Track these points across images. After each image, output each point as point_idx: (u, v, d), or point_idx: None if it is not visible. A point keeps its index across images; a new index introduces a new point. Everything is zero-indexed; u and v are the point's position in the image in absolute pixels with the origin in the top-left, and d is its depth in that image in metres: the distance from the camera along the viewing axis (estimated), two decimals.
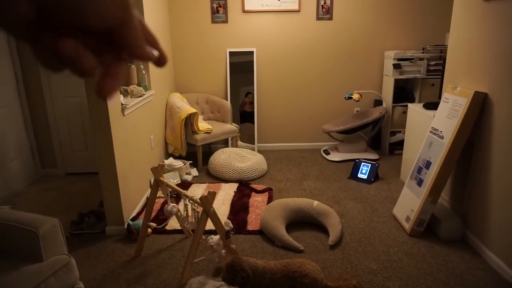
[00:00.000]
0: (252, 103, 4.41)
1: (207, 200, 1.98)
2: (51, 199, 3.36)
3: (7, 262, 1.69)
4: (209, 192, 2.02)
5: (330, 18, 4.24)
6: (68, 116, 3.77)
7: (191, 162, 3.91)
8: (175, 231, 2.76)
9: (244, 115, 4.44)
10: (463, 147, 2.48)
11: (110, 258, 2.46)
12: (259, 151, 4.57)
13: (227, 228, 2.16)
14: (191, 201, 2.13)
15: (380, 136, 4.50)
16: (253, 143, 4.50)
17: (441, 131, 2.60)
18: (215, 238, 2.17)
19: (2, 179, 3.36)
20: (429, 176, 2.58)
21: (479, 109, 2.39)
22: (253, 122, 4.46)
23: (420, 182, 2.68)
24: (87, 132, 3.81)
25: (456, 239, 2.59)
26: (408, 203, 2.75)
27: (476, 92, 2.36)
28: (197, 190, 3.46)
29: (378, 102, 4.46)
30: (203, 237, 2.23)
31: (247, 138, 4.48)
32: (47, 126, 3.79)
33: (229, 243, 2.18)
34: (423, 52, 4.15)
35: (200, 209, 2.27)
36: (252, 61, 4.34)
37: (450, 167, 2.50)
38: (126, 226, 2.75)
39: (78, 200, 3.34)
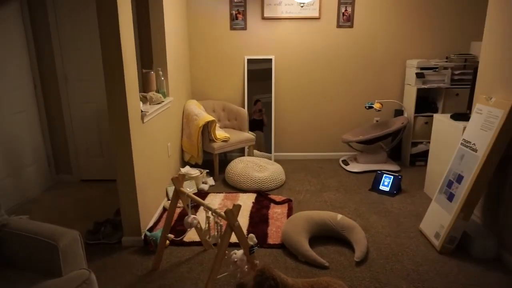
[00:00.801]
0: (261, 110, 4.31)
1: (232, 214, 1.89)
2: (66, 207, 3.30)
3: (24, 276, 1.61)
4: (234, 205, 1.92)
5: (351, 26, 4.15)
6: (84, 122, 3.73)
7: (208, 171, 3.83)
8: (193, 243, 2.66)
9: (252, 123, 4.33)
10: (498, 161, 2.35)
11: (127, 270, 2.37)
12: (275, 161, 4.48)
13: (251, 243, 2.06)
14: (213, 214, 2.03)
15: (400, 147, 4.37)
16: (265, 152, 4.40)
17: (474, 144, 2.47)
18: (239, 253, 2.07)
19: (18, 185, 3.31)
20: (461, 191, 2.45)
21: None
22: (262, 131, 4.35)
23: (451, 197, 2.55)
24: (103, 138, 3.76)
25: (490, 258, 2.45)
26: (438, 219, 2.61)
27: None
28: (214, 200, 3.37)
29: (398, 112, 4.34)
30: (226, 251, 2.13)
31: (258, 147, 4.37)
32: (63, 131, 3.75)
33: (253, 259, 2.08)
34: (446, 61, 4.03)
35: (223, 222, 2.18)
36: (271, 69, 4.26)
37: (484, 181, 2.37)
38: (143, 237, 2.66)
39: (93, 208, 3.28)
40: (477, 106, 2.57)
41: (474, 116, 2.57)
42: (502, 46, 2.47)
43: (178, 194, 2.31)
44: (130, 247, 2.64)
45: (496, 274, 2.30)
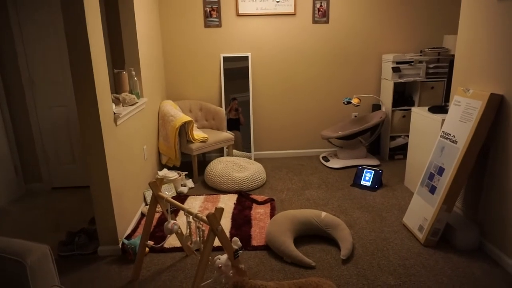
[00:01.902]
0: (237, 109, 4.22)
1: (215, 218, 1.80)
2: (36, 217, 3.11)
3: None
4: (216, 208, 1.83)
5: (327, 22, 4.13)
6: (54, 126, 3.53)
7: (186, 173, 3.71)
8: (174, 249, 2.55)
9: (229, 123, 4.24)
10: (478, 152, 2.37)
11: (105, 282, 2.24)
12: (255, 160, 4.41)
13: (236, 247, 1.98)
14: (195, 219, 1.94)
15: (379, 141, 4.40)
16: (244, 151, 4.32)
17: (453, 136, 2.49)
18: (223, 258, 1.98)
19: None
20: (443, 183, 2.46)
21: (495, 112, 2.29)
22: (239, 130, 4.27)
23: (432, 190, 2.55)
24: (74, 144, 3.57)
25: (472, 248, 2.47)
26: (420, 212, 2.62)
27: (492, 94, 2.26)
28: (195, 203, 3.26)
29: (376, 107, 4.36)
30: (210, 257, 2.04)
31: (236, 146, 4.28)
32: (31, 137, 3.54)
33: (238, 263, 2.00)
34: (421, 55, 4.08)
35: (205, 226, 2.09)
36: (247, 66, 4.18)
37: (466, 173, 2.39)
38: (120, 245, 2.53)
39: (66, 217, 3.10)
40: (455, 98, 2.59)
41: (452, 108, 2.59)
42: (476, 38, 2.49)
43: (157, 199, 2.19)
44: (107, 257, 2.50)
45: (479, 264, 2.31)
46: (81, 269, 2.37)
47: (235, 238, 2.00)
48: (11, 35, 3.30)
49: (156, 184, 2.17)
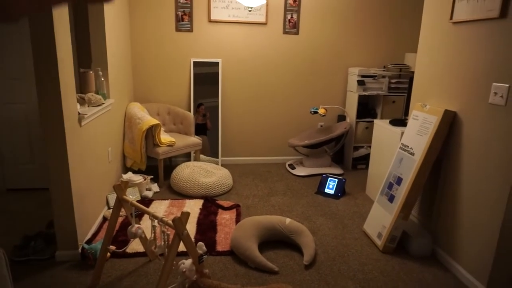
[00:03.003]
0: (204, 115, 4.23)
1: (180, 222, 1.80)
2: None
3: None
4: (182, 212, 1.83)
5: (297, 33, 4.25)
6: (11, 124, 3.36)
7: (152, 177, 3.66)
8: (137, 254, 2.51)
9: (197, 128, 4.24)
10: (433, 164, 2.53)
11: None
12: (222, 165, 4.41)
13: (200, 252, 1.98)
14: (160, 223, 1.92)
15: (343, 151, 4.55)
16: (211, 156, 4.33)
17: (411, 148, 2.64)
18: (187, 262, 1.97)
19: None
20: (401, 192, 2.59)
21: (449, 127, 2.46)
22: (206, 135, 4.28)
23: (391, 198, 2.68)
24: (34, 143, 3.42)
25: (426, 255, 2.61)
26: (379, 219, 2.74)
27: (446, 111, 2.42)
28: (160, 207, 3.21)
29: (341, 117, 4.51)
30: (174, 262, 2.02)
31: (203, 151, 4.28)
32: None
33: (202, 268, 2.00)
34: (384, 70, 4.29)
35: (170, 231, 2.07)
36: (217, 72, 4.20)
37: (421, 183, 2.53)
38: (80, 250, 2.45)
39: (22, 220, 2.95)
40: (413, 113, 2.75)
41: (410, 122, 2.74)
42: (433, 58, 2.67)
43: (121, 202, 2.15)
44: (66, 262, 2.41)
45: (431, 269, 2.45)
46: (37, 275, 2.27)
47: (200, 243, 2.00)
48: None
49: (120, 187, 2.13)
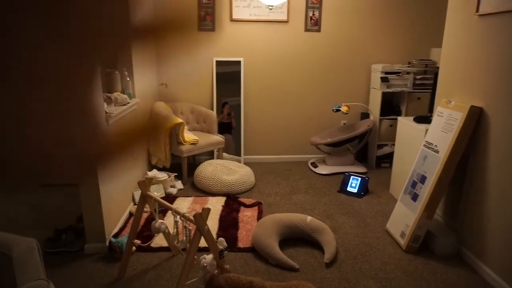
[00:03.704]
0: (229, 114, 4.28)
1: (201, 218, 1.84)
2: (23, 214, 3.10)
3: None
4: (203, 208, 1.88)
5: (318, 30, 4.22)
6: None
7: (176, 174, 3.74)
8: (161, 249, 2.58)
9: (221, 126, 4.29)
10: (458, 161, 2.46)
11: (90, 280, 2.25)
12: (245, 163, 4.45)
13: (221, 247, 2.02)
14: (182, 218, 1.98)
15: (366, 149, 4.48)
16: (234, 155, 4.37)
17: (436, 145, 2.57)
18: (208, 257, 2.02)
19: None
20: (425, 191, 2.54)
21: (475, 123, 2.38)
22: (231, 133, 4.33)
23: (415, 197, 2.63)
24: None
25: (451, 255, 2.55)
26: (403, 218, 2.69)
27: (472, 106, 2.35)
28: (183, 204, 3.29)
29: (364, 115, 4.45)
30: (196, 256, 2.08)
31: (227, 150, 4.33)
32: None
33: (223, 263, 2.04)
34: (409, 66, 4.19)
35: (192, 226, 2.12)
36: (239, 71, 4.24)
37: (446, 181, 2.47)
38: (107, 243, 2.55)
39: (54, 214, 3.10)
40: (438, 109, 2.68)
41: (435, 118, 2.68)
42: (459, 52, 2.59)
43: (145, 198, 2.23)
44: (94, 255, 2.52)
45: (457, 270, 2.39)
46: (66, 266, 2.39)
47: (221, 239, 2.04)
48: None
49: (145, 184, 2.21)
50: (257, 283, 1.81)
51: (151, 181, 2.26)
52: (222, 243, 2.04)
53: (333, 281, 2.26)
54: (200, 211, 1.86)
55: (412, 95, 4.16)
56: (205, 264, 1.98)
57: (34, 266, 1.60)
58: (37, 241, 1.64)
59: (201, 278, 1.98)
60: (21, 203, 3.29)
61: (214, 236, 2.75)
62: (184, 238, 2.01)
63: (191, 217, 1.88)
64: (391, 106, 4.37)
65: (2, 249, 1.52)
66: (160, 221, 2.22)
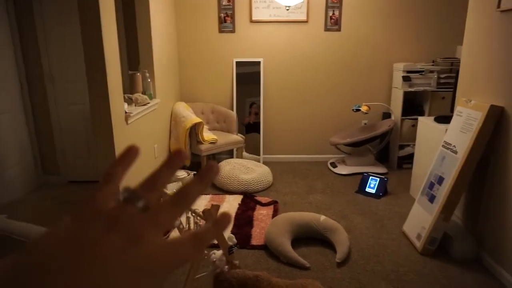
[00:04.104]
0: (257, 113, 4.34)
1: (210, 214, 1.90)
2: (51, 208, 3.29)
3: None
4: (212, 205, 1.93)
5: (339, 29, 4.19)
6: (72, 123, 3.73)
7: (195, 172, 3.83)
8: None
9: (249, 126, 4.37)
10: (477, 163, 2.38)
11: None
12: (264, 163, 4.48)
13: (231, 243, 2.06)
14: (193, 214, 2.04)
15: (388, 150, 4.40)
16: (259, 154, 4.42)
17: (454, 146, 2.50)
18: (218, 253, 2.07)
19: (1, 186, 3.30)
20: (442, 192, 2.47)
21: (495, 123, 2.30)
22: (259, 132, 4.39)
23: (432, 198, 2.57)
24: (90, 140, 3.76)
25: (470, 259, 2.47)
26: (419, 220, 2.63)
27: (492, 106, 2.27)
28: (200, 202, 3.37)
29: (386, 115, 4.37)
30: (206, 251, 2.13)
31: (253, 149, 4.40)
32: (51, 132, 3.74)
33: (232, 259, 2.08)
34: (433, 65, 4.08)
35: (202, 222, 2.19)
36: (259, 72, 4.28)
37: (464, 183, 2.40)
38: None
39: None
40: (457, 109, 2.60)
41: (454, 118, 2.60)
42: (479, 50, 2.50)
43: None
44: None
45: (474, 275, 2.31)
46: None
47: (231, 235, 2.09)
48: (35, 34, 3.51)
49: None
50: (263, 277, 1.84)
51: None
52: (231, 239, 2.08)
53: (343, 281, 2.25)
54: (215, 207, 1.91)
55: (436, 94, 4.04)
56: (214, 259, 2.03)
57: None
58: None
59: (210, 272, 2.04)
60: (51, 199, 3.48)
61: (228, 233, 2.80)
62: None
63: (201, 213, 1.94)
64: (414, 105, 4.26)
65: (25, 238, 1.64)
66: None
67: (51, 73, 3.61)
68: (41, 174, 3.82)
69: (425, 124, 3.23)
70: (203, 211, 1.89)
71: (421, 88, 4.00)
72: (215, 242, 2.37)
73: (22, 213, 3.20)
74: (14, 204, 3.36)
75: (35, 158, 3.75)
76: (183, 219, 2.89)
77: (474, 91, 2.59)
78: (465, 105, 2.53)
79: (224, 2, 4.11)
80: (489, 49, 2.41)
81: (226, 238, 2.08)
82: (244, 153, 4.38)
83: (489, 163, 2.41)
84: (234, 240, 2.09)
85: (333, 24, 4.17)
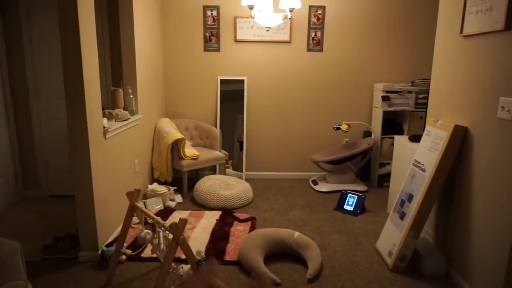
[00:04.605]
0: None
1: (176, 228, 1.93)
2: (29, 222, 3.29)
3: None
4: (180, 219, 1.96)
5: (321, 50, 4.32)
6: (55, 137, 3.76)
7: (176, 188, 3.86)
8: (151, 259, 2.67)
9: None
10: (445, 181, 2.44)
11: (78, 286, 2.36)
12: (247, 180, 4.52)
13: (199, 258, 2.09)
14: (162, 228, 2.07)
15: (369, 168, 4.46)
16: (237, 171, 4.45)
17: (423, 164, 2.57)
18: (186, 267, 2.09)
19: None
20: (411, 210, 2.52)
21: (460, 143, 2.37)
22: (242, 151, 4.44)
23: (402, 216, 2.62)
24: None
25: (439, 276, 2.50)
26: (391, 237, 2.67)
27: (456, 126, 2.35)
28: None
29: (367, 134, 4.45)
30: (174, 265, 2.15)
31: (238, 166, 4.44)
32: (33, 146, 3.77)
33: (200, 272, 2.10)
34: (412, 85, 4.19)
35: (171, 236, 2.21)
36: (243, 90, 4.38)
37: (431, 200, 2.45)
38: (100, 252, 2.67)
39: (57, 223, 3.27)
40: (426, 128, 2.68)
41: (424, 137, 2.68)
42: (446, 72, 2.61)
43: (133, 208, 2.34)
44: (87, 262, 2.64)
45: None
46: (60, 272, 2.51)
47: (199, 250, 2.12)
48: (22, 50, 3.59)
49: (132, 194, 2.32)
50: None
51: (139, 192, 2.37)
52: (200, 254, 2.11)
53: None
54: (196, 225, 1.94)
55: (415, 114, 4.15)
56: (181, 274, 2.05)
57: (16, 267, 1.72)
58: (20, 244, 1.77)
59: (176, 286, 2.05)
60: (31, 212, 3.48)
61: (204, 249, 2.82)
62: (164, 247, 2.10)
63: (168, 226, 1.97)
64: (394, 125, 4.36)
65: None
66: (146, 231, 2.32)
67: (36, 89, 3.67)
68: (21, 188, 3.83)
69: (400, 143, 3.31)
70: (170, 225, 1.92)
71: (400, 108, 4.11)
72: (183, 256, 2.38)
73: (1, 226, 3.20)
74: None
75: (16, 173, 3.76)
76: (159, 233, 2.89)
77: (442, 111, 2.68)
78: (433, 124, 2.61)
79: (210, 22, 4.23)
80: (455, 72, 2.51)
81: (194, 253, 2.11)
82: (229, 170, 4.42)
83: (454, 181, 2.47)
84: (203, 254, 2.11)
85: (315, 44, 4.30)
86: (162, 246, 2.15)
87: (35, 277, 2.44)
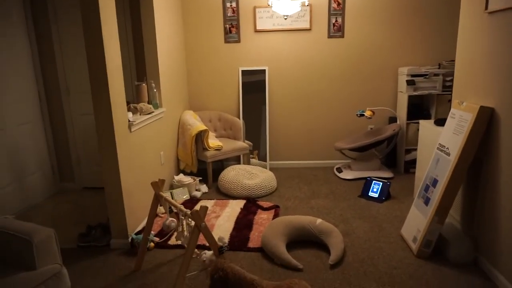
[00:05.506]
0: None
1: (198, 215, 1.99)
2: (65, 212, 3.49)
3: (3, 269, 1.76)
4: (201, 206, 2.03)
5: (342, 36, 4.24)
6: (86, 132, 3.95)
7: (201, 178, 3.96)
8: (177, 246, 2.78)
9: None
10: (471, 165, 2.37)
11: (110, 271, 2.50)
12: (271, 169, 4.56)
13: (220, 244, 2.15)
14: (185, 215, 2.15)
15: (395, 154, 4.37)
16: (262, 160, 4.49)
17: (447, 148, 2.50)
18: (209, 253, 2.16)
19: (22, 192, 3.54)
20: (436, 195, 2.47)
21: (486, 124, 2.29)
22: None
23: (427, 201, 2.57)
24: None
25: (466, 262, 2.44)
26: (415, 223, 2.63)
27: (481, 107, 2.26)
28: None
29: (392, 119, 4.36)
30: (197, 251, 2.23)
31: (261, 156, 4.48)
32: (67, 141, 3.98)
33: (222, 258, 2.16)
34: (439, 68, 4.05)
35: (193, 223, 2.28)
36: (264, 79, 4.39)
37: (457, 185, 2.39)
38: (130, 240, 2.80)
39: (90, 213, 3.45)
40: (451, 111, 2.60)
41: (448, 120, 2.60)
42: (471, 52, 2.50)
43: (158, 198, 2.44)
44: (118, 249, 2.78)
45: (469, 278, 2.29)
46: (93, 258, 2.67)
47: (221, 236, 2.18)
48: (52, 48, 3.76)
49: (157, 184, 2.42)
50: (258, 282, 1.90)
51: (163, 182, 2.46)
52: (222, 240, 2.17)
53: (334, 283, 2.29)
54: (221, 213, 2.01)
55: (442, 97, 4.01)
56: (204, 259, 2.13)
57: (51, 251, 1.86)
58: (54, 231, 1.90)
59: (201, 271, 2.13)
60: (66, 203, 3.69)
61: (228, 236, 2.89)
62: (187, 234, 2.18)
63: (189, 213, 2.04)
64: (421, 109, 4.23)
65: (26, 236, 1.80)
66: (171, 219, 2.41)
67: (67, 85, 3.86)
68: (57, 181, 4.06)
69: (426, 127, 3.22)
70: (191, 212, 1.99)
71: (426, 92, 3.98)
72: (207, 244, 2.46)
73: (39, 217, 3.41)
74: (31, 209, 3.59)
75: (53, 166, 3.99)
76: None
77: (467, 92, 2.58)
78: (458, 107, 2.53)
79: (229, 13, 4.26)
80: (480, 51, 2.41)
81: (217, 239, 2.17)
82: (254, 160, 4.47)
83: (482, 164, 2.39)
84: (225, 240, 2.17)
85: (336, 30, 4.23)
86: (185, 233, 2.23)
87: (72, 263, 2.60)
